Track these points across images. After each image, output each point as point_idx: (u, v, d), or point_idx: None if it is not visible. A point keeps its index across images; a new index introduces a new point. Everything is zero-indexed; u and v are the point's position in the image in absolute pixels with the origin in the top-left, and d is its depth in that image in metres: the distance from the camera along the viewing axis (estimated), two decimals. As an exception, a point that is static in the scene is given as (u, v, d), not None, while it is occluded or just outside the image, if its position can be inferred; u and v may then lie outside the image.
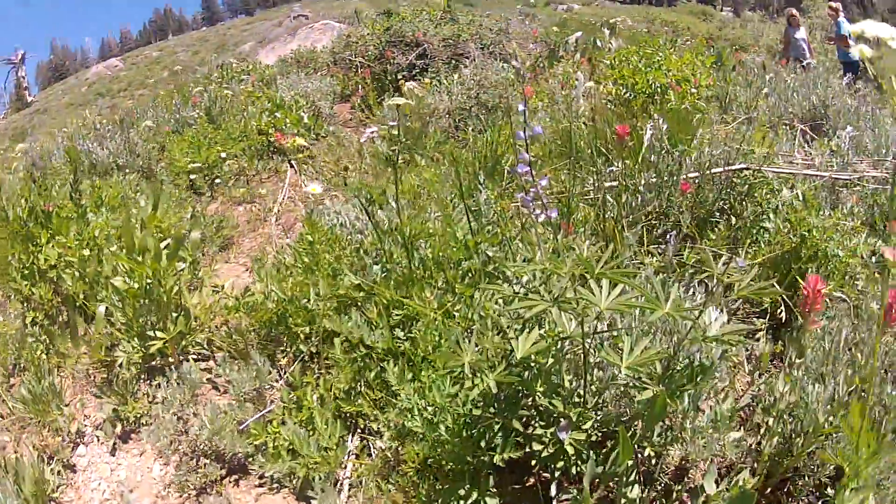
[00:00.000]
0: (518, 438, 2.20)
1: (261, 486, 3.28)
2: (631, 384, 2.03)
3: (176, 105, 7.69)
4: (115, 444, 3.51)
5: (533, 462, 2.20)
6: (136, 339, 3.67)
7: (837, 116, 5.64)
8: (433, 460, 2.42)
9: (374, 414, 2.84)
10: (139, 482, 3.34)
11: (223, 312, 3.94)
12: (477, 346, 2.19)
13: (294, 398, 3.30)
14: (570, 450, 2.06)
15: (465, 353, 1.96)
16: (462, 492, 2.31)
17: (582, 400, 2.19)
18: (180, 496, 3.21)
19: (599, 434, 2.22)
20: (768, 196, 3.65)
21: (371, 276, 3.07)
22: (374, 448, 2.99)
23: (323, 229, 3.62)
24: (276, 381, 3.55)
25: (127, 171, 6.75)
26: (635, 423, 2.17)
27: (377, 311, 3.01)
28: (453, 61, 7.62)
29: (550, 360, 2.29)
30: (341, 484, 3.03)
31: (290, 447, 2.98)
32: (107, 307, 3.82)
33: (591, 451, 2.07)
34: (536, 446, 2.17)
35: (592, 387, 2.37)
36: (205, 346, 4.01)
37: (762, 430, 2.58)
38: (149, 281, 3.67)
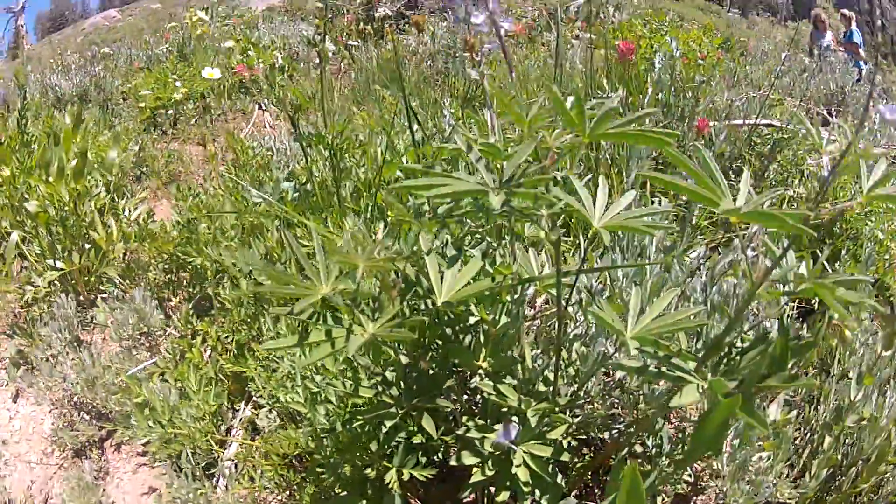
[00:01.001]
0: (432, 444, 1.19)
1: (143, 454, 2.43)
2: (642, 370, 1.01)
3: (150, 42, 6.65)
4: (17, 388, 2.74)
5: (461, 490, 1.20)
6: (48, 271, 2.84)
7: (858, 103, 4.63)
8: (318, 455, 1.40)
9: (259, 379, 1.82)
10: (31, 435, 2.59)
11: (123, 243, 2.94)
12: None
13: (180, 349, 2.31)
14: (523, 475, 1.06)
15: (324, 282, 0.95)
16: (352, 509, 1.31)
17: (551, 390, 1.19)
18: (60, 455, 2.49)
19: (573, 447, 1.22)
20: (800, 156, 2.64)
21: (277, 195, 2.04)
22: (261, 424, 1.97)
23: (247, 149, 2.63)
24: (167, 326, 2.54)
25: (90, 104, 5.75)
26: (637, 436, 1.17)
27: (278, 238, 1.98)
28: (443, 13, 6.59)
29: (501, 320, 1.29)
30: (222, 467, 2.03)
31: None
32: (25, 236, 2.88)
33: (561, 479, 1.07)
34: (467, 459, 1.17)
35: (570, 369, 1.37)
36: (118, 281, 3.03)
37: (804, 456, 1.59)
38: (65, 208, 2.72)
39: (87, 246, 2.99)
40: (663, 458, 1.32)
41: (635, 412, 1.31)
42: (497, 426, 1.14)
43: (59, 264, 2.89)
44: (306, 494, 1.57)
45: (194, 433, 1.92)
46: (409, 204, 1.13)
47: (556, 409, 1.14)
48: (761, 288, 0.96)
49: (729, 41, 7.40)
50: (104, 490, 2.39)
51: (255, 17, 6.94)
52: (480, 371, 1.30)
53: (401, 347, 1.24)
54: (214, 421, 2.07)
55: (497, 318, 1.27)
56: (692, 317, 1.10)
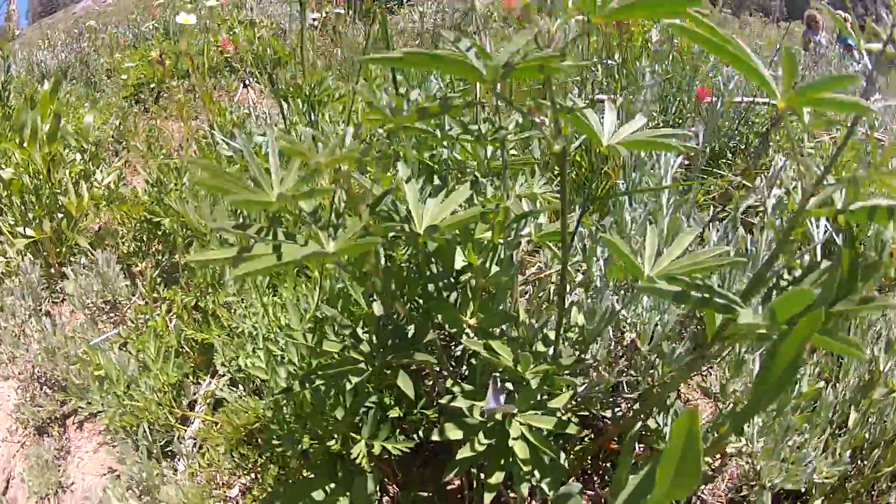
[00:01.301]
0: (411, 418, 0.95)
1: (105, 432, 2.18)
2: (682, 295, 0.77)
3: (137, 20, 6.35)
4: (-9, 362, 2.44)
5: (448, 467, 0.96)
6: (18, 238, 2.61)
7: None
8: (274, 425, 1.16)
9: (222, 347, 1.58)
10: (-1, 411, 2.25)
11: (95, 210, 2.68)
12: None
13: (144, 318, 2.06)
14: (521, 450, 0.82)
15: (275, 187, 0.72)
16: (319, 496, 1.07)
17: (553, 349, 0.96)
18: (24, 432, 2.28)
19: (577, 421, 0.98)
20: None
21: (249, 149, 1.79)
22: (224, 396, 1.73)
23: (223, 111, 2.38)
24: (133, 295, 2.29)
25: (74, 81, 5.49)
26: (646, 413, 0.95)
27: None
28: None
29: (492, 269, 1.06)
30: (181, 445, 1.79)
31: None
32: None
33: (564, 457, 0.84)
34: (451, 433, 0.94)
35: (570, 333, 1.14)
36: (88, 251, 2.80)
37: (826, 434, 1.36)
38: (39, 176, 2.48)
39: (60, 216, 2.77)
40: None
41: (649, 379, 1.08)
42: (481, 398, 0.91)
43: (30, 231, 2.66)
44: (269, 476, 1.34)
45: (151, 405, 1.68)
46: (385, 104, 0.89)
47: (561, 370, 0.91)
48: (813, 202, 0.74)
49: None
50: (64, 469, 2.17)
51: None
52: (467, 330, 1.07)
53: (373, 297, 1.01)
54: (176, 394, 1.82)
55: (487, 265, 1.04)
56: (718, 256, 0.88)
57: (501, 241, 1.03)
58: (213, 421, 1.61)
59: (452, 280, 1.12)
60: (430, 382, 1.24)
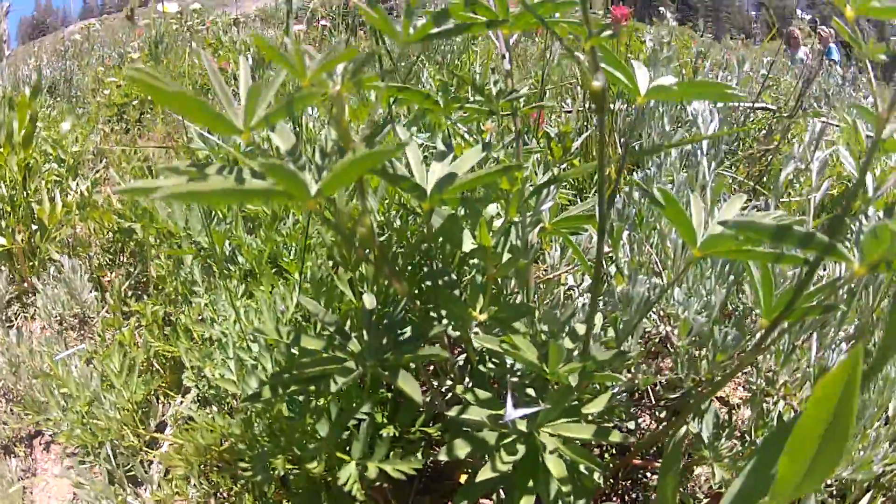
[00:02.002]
0: (410, 437, 0.74)
1: (73, 454, 1.95)
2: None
3: (122, 40, 6.16)
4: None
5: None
6: None
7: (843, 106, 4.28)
8: (241, 444, 0.93)
9: (190, 360, 1.34)
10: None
11: (67, 220, 2.45)
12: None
13: (112, 332, 1.83)
14: (556, 468, 0.61)
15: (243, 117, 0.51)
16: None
17: (584, 345, 0.76)
18: None
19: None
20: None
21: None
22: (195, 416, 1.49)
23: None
24: (102, 308, 2.06)
25: (59, 98, 5.29)
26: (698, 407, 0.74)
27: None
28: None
29: (504, 256, 0.86)
30: (148, 470, 1.56)
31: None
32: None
33: (598, 475, 0.63)
34: (461, 450, 0.73)
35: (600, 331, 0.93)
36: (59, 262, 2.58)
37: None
38: (15, 187, 2.27)
39: (35, 227, 2.56)
40: (721, 443, 0.90)
41: (694, 377, 0.88)
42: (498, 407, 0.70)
43: (2, 240, 2.45)
44: (244, 504, 1.11)
45: (113, 425, 1.45)
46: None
47: (599, 367, 0.70)
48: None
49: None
50: (30, 492, 1.93)
51: (229, 20, 6.51)
52: (476, 330, 0.86)
53: (365, 287, 0.80)
54: (143, 414, 1.59)
55: (500, 249, 0.83)
56: (776, 220, 0.68)
57: (517, 218, 0.83)
58: (178, 443, 1.38)
59: (455, 277, 0.92)
60: (429, 398, 1.03)
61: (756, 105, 3.02)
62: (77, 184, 2.78)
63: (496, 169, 0.64)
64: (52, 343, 2.01)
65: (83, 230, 2.44)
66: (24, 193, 2.58)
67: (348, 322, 0.86)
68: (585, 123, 2.11)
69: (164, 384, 1.73)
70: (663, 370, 0.97)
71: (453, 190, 0.64)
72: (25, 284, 2.52)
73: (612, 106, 1.92)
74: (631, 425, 1.18)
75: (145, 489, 1.54)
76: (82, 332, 2.20)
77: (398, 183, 0.65)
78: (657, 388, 1.34)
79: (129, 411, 1.50)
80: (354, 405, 0.75)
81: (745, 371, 1.64)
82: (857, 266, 0.56)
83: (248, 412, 0.91)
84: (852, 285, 0.90)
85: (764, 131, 2.94)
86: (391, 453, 0.74)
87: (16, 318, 2.43)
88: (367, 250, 0.65)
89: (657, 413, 1.28)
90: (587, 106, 2.15)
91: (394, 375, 0.65)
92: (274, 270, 1.32)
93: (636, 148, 1.24)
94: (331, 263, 0.89)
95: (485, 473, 0.67)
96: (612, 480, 1.23)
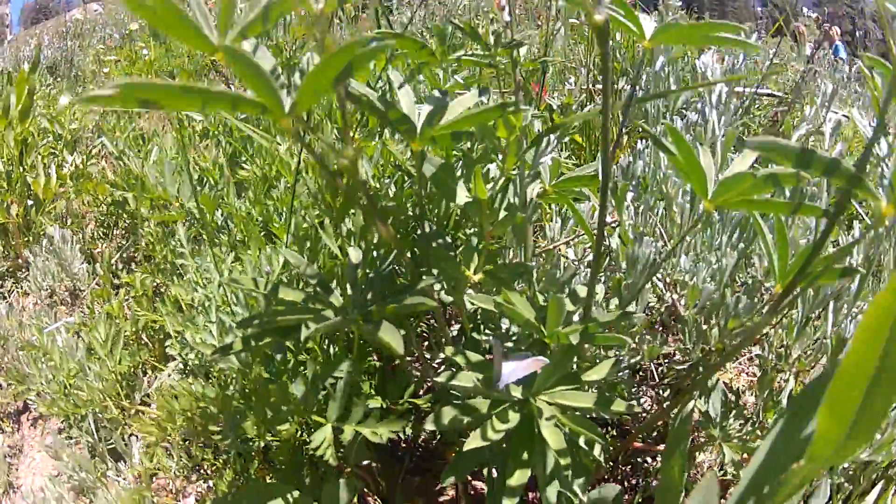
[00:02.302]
0: (396, 407, 0.67)
1: (60, 431, 1.90)
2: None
3: (125, 21, 6.06)
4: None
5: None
6: None
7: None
8: (211, 407, 0.86)
9: (175, 323, 1.28)
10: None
11: (61, 192, 2.39)
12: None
13: (101, 302, 1.77)
14: (554, 438, 0.54)
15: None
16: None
17: (584, 309, 0.69)
18: None
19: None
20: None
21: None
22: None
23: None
24: (93, 281, 1.99)
25: (59, 78, 5.23)
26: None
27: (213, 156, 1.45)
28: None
29: (500, 213, 0.79)
30: (130, 444, 1.50)
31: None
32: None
33: (599, 450, 0.56)
34: (448, 418, 0.66)
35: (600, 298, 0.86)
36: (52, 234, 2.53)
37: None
38: (11, 162, 2.21)
39: (30, 203, 2.50)
40: (730, 423, 0.84)
41: (704, 347, 0.81)
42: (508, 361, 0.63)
43: (-1, 216, 2.39)
44: (223, 482, 1.05)
45: (95, 395, 1.38)
46: None
47: (603, 328, 0.64)
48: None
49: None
50: (16, 468, 1.87)
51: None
52: (469, 292, 0.80)
53: (352, 242, 0.74)
54: (128, 387, 1.53)
55: (497, 204, 0.77)
56: (792, 173, 0.62)
57: (515, 171, 0.76)
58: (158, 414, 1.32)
59: (449, 240, 0.85)
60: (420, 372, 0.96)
61: (761, 91, 2.95)
62: (73, 158, 2.72)
63: (493, 106, 0.57)
64: (41, 316, 1.96)
65: (78, 204, 2.38)
66: (21, 168, 2.52)
67: (334, 281, 0.79)
68: (587, 101, 2.04)
69: (152, 357, 1.66)
70: (669, 342, 0.91)
71: (446, 127, 0.57)
72: (20, 260, 2.47)
73: (615, 84, 1.84)
74: (633, 405, 1.12)
75: (126, 463, 1.48)
76: (73, 305, 2.15)
77: (386, 116, 0.58)
78: (660, 367, 1.27)
79: (112, 382, 1.44)
80: (333, 359, 0.69)
81: (749, 354, 1.57)
82: (886, 205, 0.49)
83: (224, 376, 0.84)
84: (870, 251, 0.83)
85: (769, 116, 2.87)
86: (370, 416, 0.67)
87: (9, 295, 2.38)
88: (355, 193, 0.58)
89: (660, 392, 1.21)
90: (589, 83, 2.07)
91: (376, 327, 0.58)
92: (264, 235, 1.25)
93: (643, 96, 1.17)
94: (316, 214, 0.83)
95: (474, 441, 0.60)
96: (611, 464, 1.17)
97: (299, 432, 0.81)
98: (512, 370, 0.57)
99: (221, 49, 0.48)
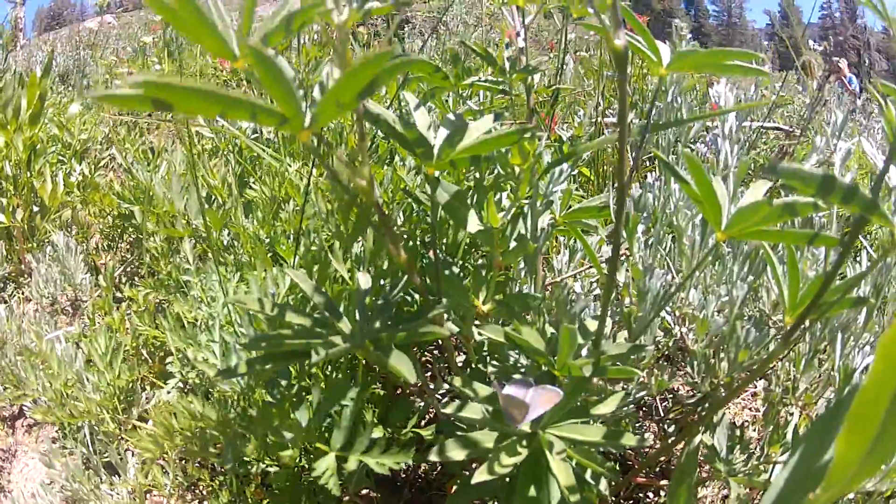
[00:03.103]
0: (401, 437, 0.66)
1: (55, 440, 1.89)
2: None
3: (137, 35, 6.12)
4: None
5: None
6: None
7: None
8: (209, 427, 0.84)
9: (176, 339, 1.26)
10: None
11: (67, 200, 2.39)
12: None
13: (102, 314, 1.76)
14: (563, 474, 0.53)
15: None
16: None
17: (595, 342, 0.68)
18: None
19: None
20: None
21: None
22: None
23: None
24: (95, 292, 1.98)
25: (70, 87, 5.27)
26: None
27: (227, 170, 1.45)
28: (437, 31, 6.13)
29: (511, 243, 0.78)
30: (125, 459, 1.47)
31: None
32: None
33: (605, 485, 0.55)
34: (455, 452, 0.64)
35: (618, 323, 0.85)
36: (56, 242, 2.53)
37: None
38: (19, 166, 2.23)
39: (36, 209, 2.50)
40: (735, 457, 0.82)
41: (713, 381, 0.79)
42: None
43: (2, 217, 2.39)
44: (217, 502, 1.03)
45: (92, 407, 1.36)
46: None
47: (614, 361, 0.62)
48: None
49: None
50: (9, 472, 1.85)
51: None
52: (478, 323, 0.78)
53: (361, 267, 0.73)
54: (126, 401, 1.51)
55: (508, 233, 0.76)
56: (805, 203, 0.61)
57: (527, 200, 0.75)
58: (156, 432, 1.29)
59: (459, 270, 0.84)
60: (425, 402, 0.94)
61: (767, 125, 2.96)
62: (81, 168, 2.73)
63: (512, 130, 0.56)
64: (41, 323, 1.94)
65: (84, 214, 2.38)
66: (28, 174, 2.53)
67: (342, 305, 0.78)
68: (596, 134, 2.04)
69: (151, 373, 1.64)
70: (677, 376, 0.89)
71: (465, 151, 0.57)
72: (22, 266, 2.46)
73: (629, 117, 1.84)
74: (643, 439, 1.10)
75: (120, 478, 1.46)
76: (74, 316, 2.13)
77: (404, 137, 0.57)
78: (665, 401, 1.25)
79: (109, 395, 1.42)
80: (340, 387, 0.67)
81: (753, 388, 1.55)
82: None
83: (224, 397, 0.83)
84: (878, 279, 0.82)
85: (776, 150, 2.87)
86: (374, 446, 0.65)
87: (10, 299, 2.37)
88: (369, 213, 0.57)
89: (664, 427, 1.19)
90: (599, 115, 2.08)
91: (386, 354, 0.57)
92: (270, 256, 1.24)
93: (657, 123, 1.16)
94: (325, 238, 0.82)
95: (481, 475, 0.59)
96: (613, 499, 1.14)
97: (300, 459, 0.79)
98: (534, 404, 0.55)
99: (246, 49, 0.47)
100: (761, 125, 2.83)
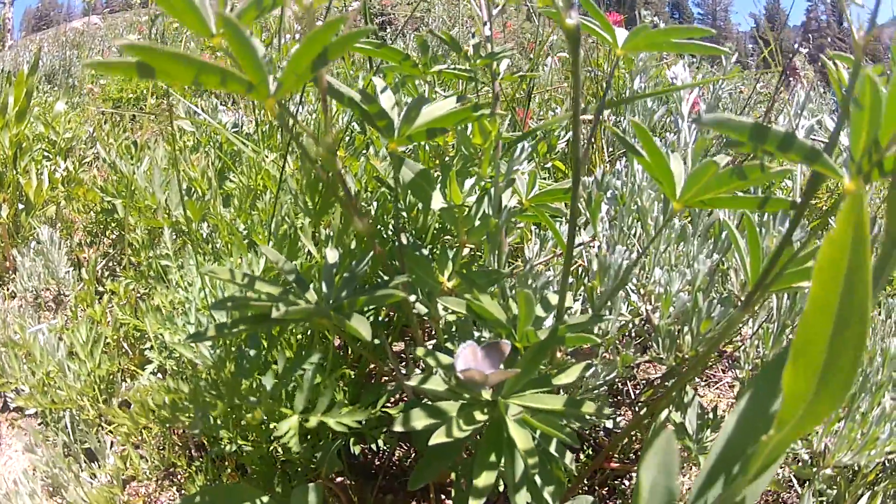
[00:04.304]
0: (370, 415, 0.67)
1: (40, 428, 1.89)
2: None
3: (122, 35, 6.11)
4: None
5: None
6: None
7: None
8: (178, 395, 0.86)
9: (153, 322, 1.27)
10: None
11: (52, 196, 2.39)
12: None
13: (85, 306, 1.76)
14: (522, 439, 0.55)
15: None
16: None
17: (556, 315, 0.70)
18: None
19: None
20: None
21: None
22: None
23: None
24: (78, 285, 1.99)
25: (56, 86, 5.25)
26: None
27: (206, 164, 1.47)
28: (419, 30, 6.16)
29: (476, 220, 0.80)
30: (104, 446, 1.48)
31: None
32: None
33: (571, 459, 0.57)
34: (419, 420, 0.66)
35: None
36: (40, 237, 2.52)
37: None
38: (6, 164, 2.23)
39: (21, 206, 2.50)
40: (707, 436, 0.84)
41: (676, 354, 0.82)
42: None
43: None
44: (194, 486, 1.04)
45: (73, 394, 1.37)
46: None
47: (572, 331, 0.64)
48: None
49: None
50: (-7, 466, 1.85)
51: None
52: (443, 298, 0.80)
53: (329, 242, 0.74)
54: (107, 391, 1.51)
55: (473, 209, 0.78)
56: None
57: (490, 177, 0.77)
58: (136, 419, 1.30)
59: (426, 252, 0.86)
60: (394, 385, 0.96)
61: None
62: (66, 164, 2.73)
63: (467, 105, 0.59)
64: (24, 317, 1.95)
65: (68, 210, 2.38)
66: (14, 171, 2.53)
67: (311, 282, 0.80)
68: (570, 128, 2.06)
69: (132, 364, 1.65)
70: (644, 354, 0.91)
71: (423, 125, 0.59)
72: (7, 263, 2.45)
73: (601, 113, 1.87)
74: (609, 424, 1.12)
75: (98, 464, 1.47)
76: (57, 310, 2.13)
77: (366, 111, 0.59)
78: (637, 386, 1.27)
79: (90, 383, 1.43)
80: (302, 356, 0.69)
81: (729, 380, 1.58)
82: (848, 181, 0.49)
83: (198, 374, 0.84)
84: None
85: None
86: (334, 406, 0.67)
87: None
88: (335, 184, 0.59)
89: (637, 411, 1.21)
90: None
91: (347, 317, 0.58)
92: (247, 243, 1.26)
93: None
94: (296, 215, 0.83)
95: (438, 437, 0.60)
96: (586, 484, 1.16)
97: (271, 438, 0.81)
98: (485, 362, 0.57)
99: (220, 20, 0.49)
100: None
